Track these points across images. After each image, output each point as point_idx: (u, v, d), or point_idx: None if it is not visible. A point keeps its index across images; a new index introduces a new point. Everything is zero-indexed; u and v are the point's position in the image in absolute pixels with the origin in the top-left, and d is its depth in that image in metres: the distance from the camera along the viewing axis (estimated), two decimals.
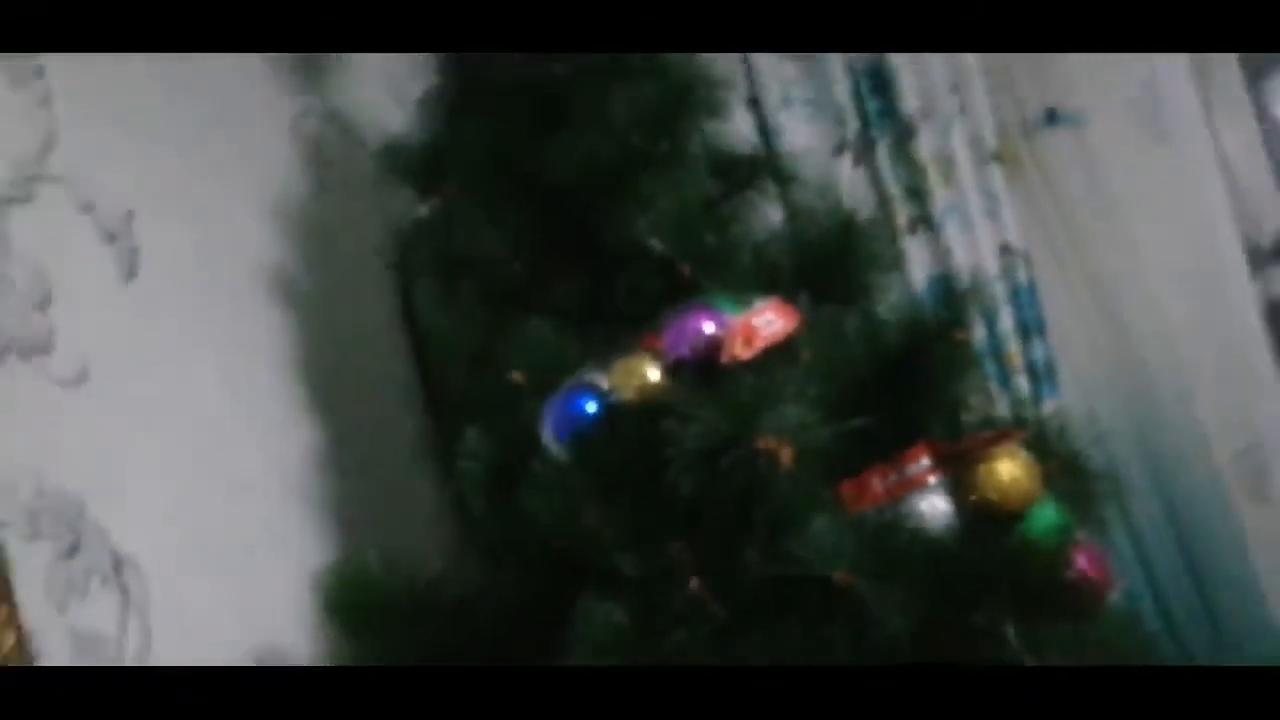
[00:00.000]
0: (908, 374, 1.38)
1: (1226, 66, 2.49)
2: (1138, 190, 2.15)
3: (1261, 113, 2.51)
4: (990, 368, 2.11)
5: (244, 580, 1.47)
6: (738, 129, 2.18)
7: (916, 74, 2.14)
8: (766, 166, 1.55)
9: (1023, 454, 1.29)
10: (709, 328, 1.25)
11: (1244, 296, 2.20)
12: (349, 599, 1.34)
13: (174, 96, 1.57)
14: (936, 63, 2.13)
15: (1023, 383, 2.11)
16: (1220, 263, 2.19)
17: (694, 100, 1.45)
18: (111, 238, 1.45)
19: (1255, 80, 2.50)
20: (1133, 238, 2.13)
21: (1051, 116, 2.15)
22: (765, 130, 2.21)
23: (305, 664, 1.48)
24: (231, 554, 1.47)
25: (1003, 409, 2.08)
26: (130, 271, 1.46)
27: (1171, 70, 2.20)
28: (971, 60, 2.13)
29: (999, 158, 2.14)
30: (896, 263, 1.97)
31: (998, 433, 1.31)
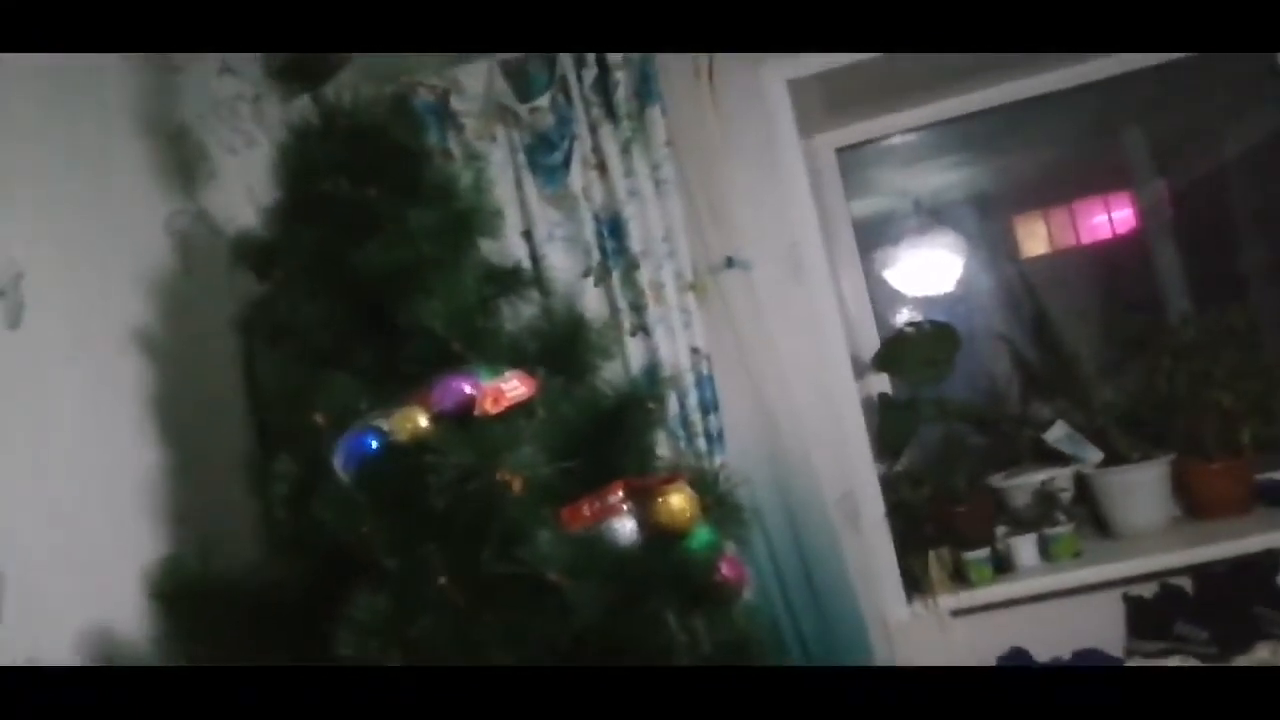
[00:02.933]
0: (612, 430, 1.35)
1: (845, 231, 2.62)
2: (783, 315, 2.19)
3: (868, 267, 2.65)
4: (680, 432, 2.11)
5: (91, 575, 1.30)
6: (514, 252, 2.17)
7: (641, 224, 2.14)
8: (524, 279, 1.49)
9: (688, 490, 1.27)
10: (467, 389, 1.19)
11: (848, 391, 2.27)
12: (169, 587, 1.20)
13: (66, 183, 1.41)
14: (655, 217, 2.14)
15: (702, 443, 2.11)
16: (834, 367, 2.25)
17: (474, 224, 1.40)
18: (1, 294, 1.28)
19: (864, 242, 2.64)
20: (778, 347, 2.17)
21: (730, 262, 2.17)
22: (534, 255, 2.17)
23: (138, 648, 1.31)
24: (81, 554, 1.29)
25: (688, 462, 2.09)
26: (14, 322, 1.29)
27: (809, 233, 2.27)
28: (678, 216, 2.14)
29: (694, 287, 2.14)
30: (613, 352, 1.94)
31: (670, 475, 1.29)
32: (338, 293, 1.29)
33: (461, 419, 1.17)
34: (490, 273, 1.44)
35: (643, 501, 1.27)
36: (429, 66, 2.16)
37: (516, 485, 1.11)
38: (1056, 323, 2.46)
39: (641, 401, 1.40)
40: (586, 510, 1.26)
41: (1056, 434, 2.29)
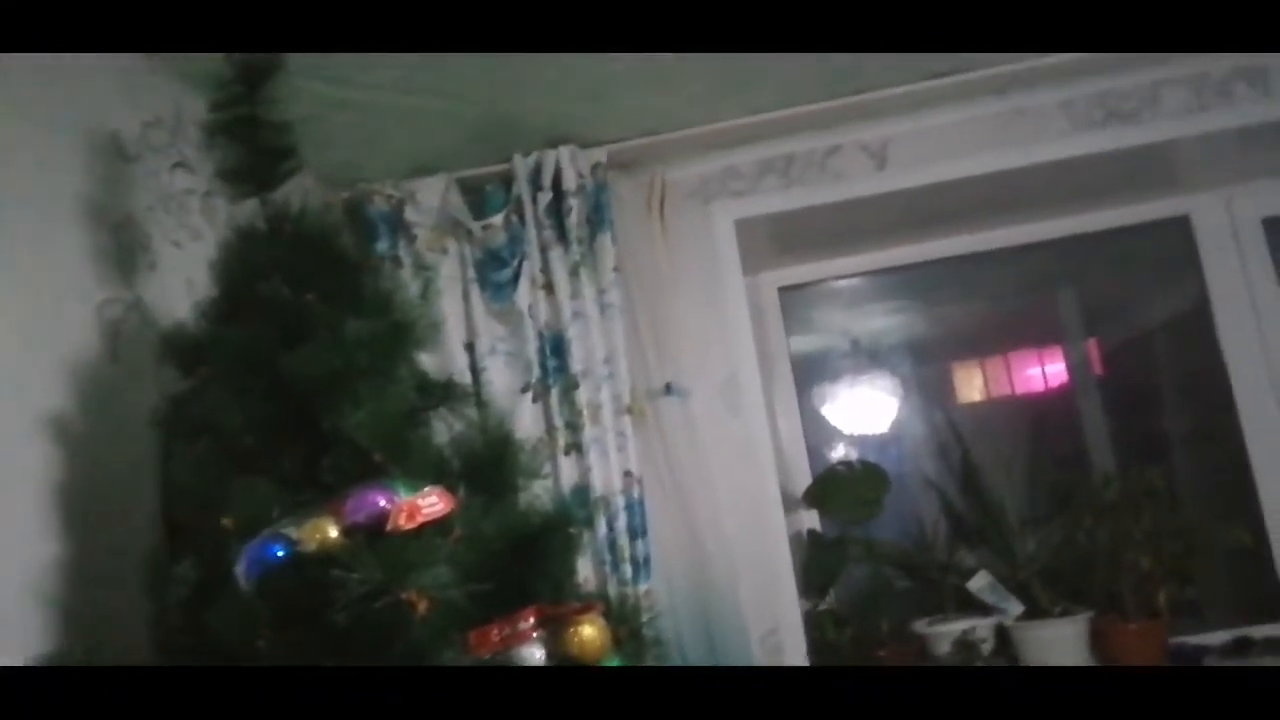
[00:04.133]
0: (531, 553, 1.34)
1: (784, 366, 2.67)
2: (717, 445, 2.22)
3: (804, 403, 2.69)
4: (607, 556, 2.09)
5: None
6: (455, 363, 2.17)
7: (583, 345, 2.17)
8: (457, 393, 1.49)
9: (600, 621, 1.25)
10: (381, 502, 1.17)
11: (777, 527, 2.28)
12: None
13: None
14: (597, 339, 2.17)
15: (628, 569, 2.08)
16: (764, 501, 2.27)
17: (409, 336, 1.41)
18: None
19: (802, 378, 2.69)
20: (711, 476, 2.18)
21: (669, 389, 2.20)
22: (475, 368, 2.18)
23: None
24: None
25: (613, 587, 2.07)
26: None
27: (747, 366, 2.32)
28: (620, 340, 2.18)
29: (630, 411, 2.16)
30: (541, 472, 1.93)
31: (583, 604, 1.28)
32: (263, 396, 1.27)
33: (373, 533, 1.15)
34: (422, 384, 1.44)
35: (555, 630, 1.25)
36: (387, 177, 2.21)
37: (422, 606, 1.08)
38: (984, 472, 2.51)
39: (563, 526, 1.39)
40: (495, 635, 1.23)
41: (979, 584, 2.30)
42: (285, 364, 1.27)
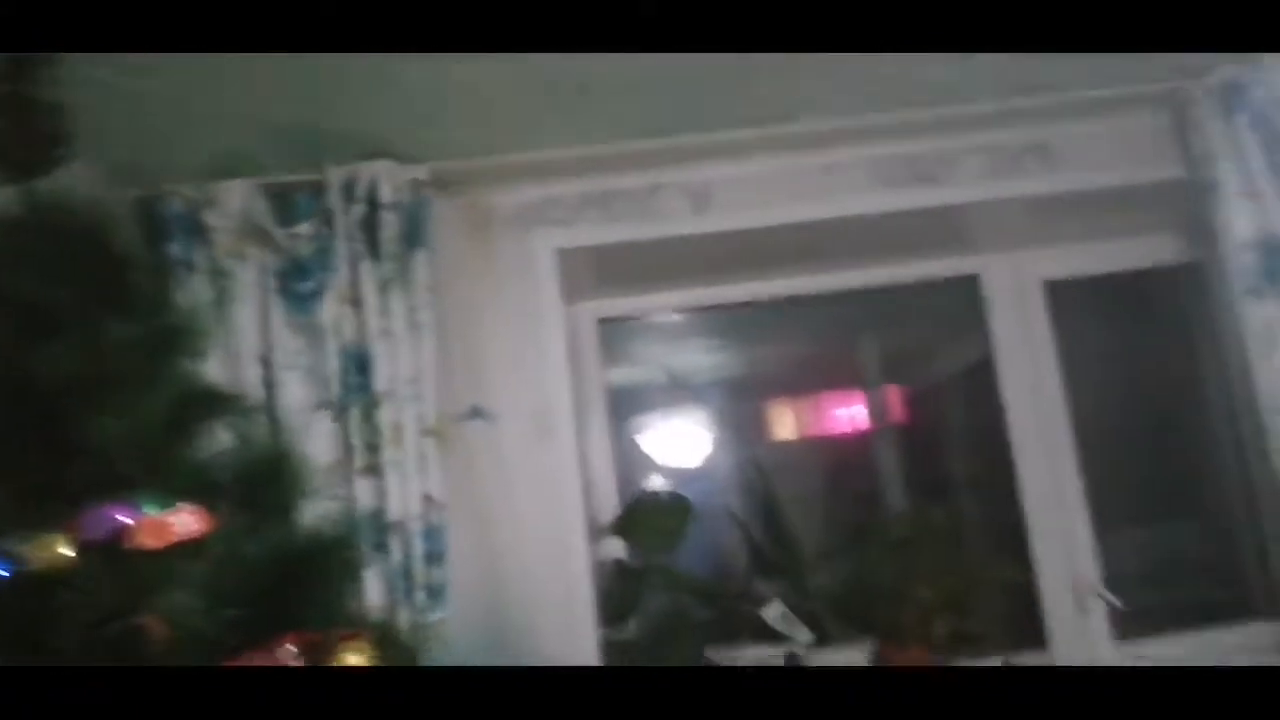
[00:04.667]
0: (299, 577, 1.26)
1: (598, 397, 2.66)
2: (524, 472, 2.18)
3: (617, 434, 2.69)
4: (400, 583, 2.01)
5: None
6: (247, 376, 2.05)
7: (389, 363, 2.10)
8: (231, 405, 1.40)
9: (367, 650, 1.19)
10: (122, 519, 1.07)
11: (580, 555, 2.26)
12: None
13: None
14: (404, 357, 2.10)
15: (422, 596, 2.01)
16: (568, 529, 2.24)
17: (177, 342, 1.31)
18: None
19: (617, 409, 2.69)
20: (515, 503, 2.15)
21: (476, 412, 2.16)
22: (269, 382, 2.06)
23: None
24: None
25: (406, 615, 1.99)
26: None
27: (559, 395, 2.30)
28: (429, 360, 2.11)
29: (435, 433, 2.10)
30: (318, 491, 1.83)
31: (350, 632, 1.21)
32: (2, 397, 1.16)
33: (112, 552, 1.06)
34: (194, 395, 1.34)
35: (316, 659, 1.18)
36: (187, 177, 2.08)
37: (160, 631, 1.00)
38: (785, 507, 2.58)
39: (338, 550, 1.32)
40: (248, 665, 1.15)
41: (772, 612, 2.35)
42: (30, 363, 1.16)
